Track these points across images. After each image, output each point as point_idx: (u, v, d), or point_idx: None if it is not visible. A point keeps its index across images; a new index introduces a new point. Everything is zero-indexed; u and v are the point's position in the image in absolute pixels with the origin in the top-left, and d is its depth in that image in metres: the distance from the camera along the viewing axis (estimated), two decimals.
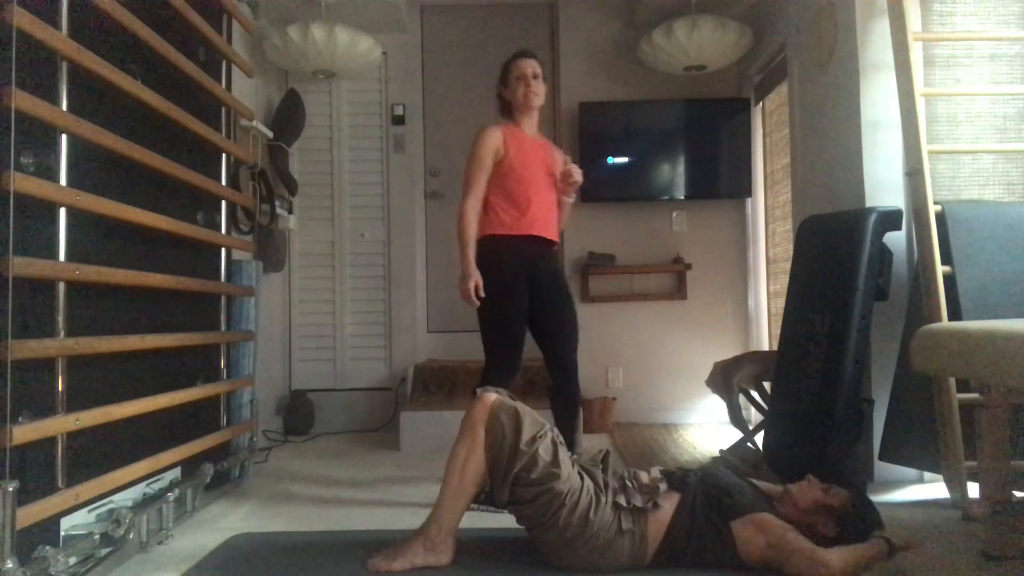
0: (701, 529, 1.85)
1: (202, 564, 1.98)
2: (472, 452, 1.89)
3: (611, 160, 4.30)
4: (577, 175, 2.69)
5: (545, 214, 2.70)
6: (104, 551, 1.89)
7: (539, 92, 2.71)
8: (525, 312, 2.66)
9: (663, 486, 1.92)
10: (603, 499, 1.86)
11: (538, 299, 2.67)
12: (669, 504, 1.89)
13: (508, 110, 2.81)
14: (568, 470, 1.87)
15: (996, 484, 1.95)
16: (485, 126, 2.75)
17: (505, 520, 2.37)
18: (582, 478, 1.90)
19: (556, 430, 1.98)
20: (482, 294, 2.59)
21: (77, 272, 1.78)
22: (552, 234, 2.73)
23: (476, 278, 2.59)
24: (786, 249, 3.80)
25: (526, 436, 1.86)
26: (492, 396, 1.94)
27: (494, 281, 2.62)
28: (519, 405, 1.93)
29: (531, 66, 2.71)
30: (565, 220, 2.89)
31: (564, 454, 1.91)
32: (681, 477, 1.95)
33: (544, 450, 1.86)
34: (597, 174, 4.26)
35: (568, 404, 2.68)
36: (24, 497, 1.56)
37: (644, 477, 1.96)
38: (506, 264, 2.64)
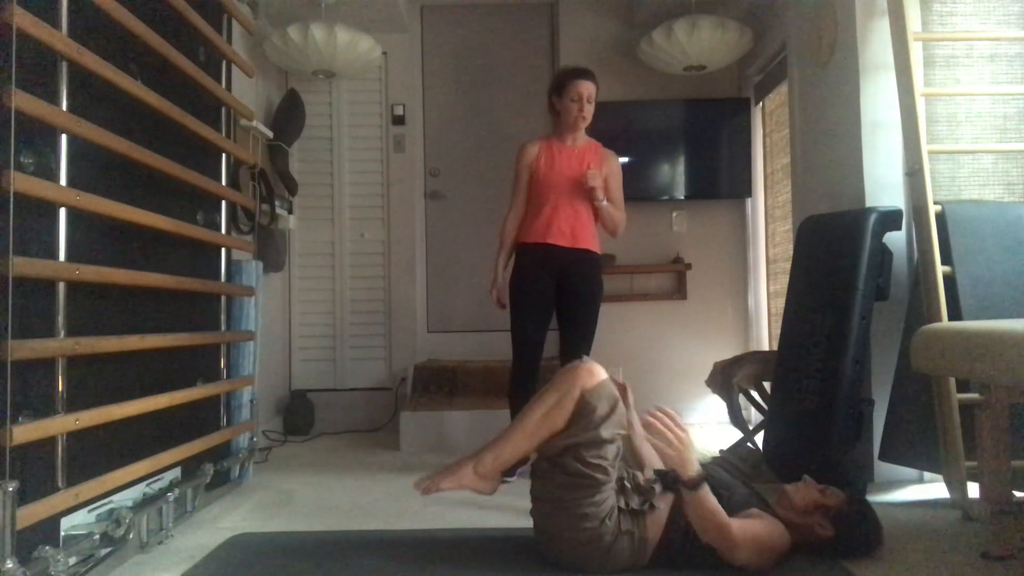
0: (696, 530, 1.84)
1: (202, 564, 1.98)
2: (561, 406, 1.88)
3: None
4: (591, 180, 2.81)
5: (564, 223, 2.89)
6: (104, 551, 1.89)
7: (589, 115, 2.90)
8: (543, 314, 2.94)
9: (658, 487, 1.92)
10: (616, 509, 1.85)
11: (561, 301, 2.94)
12: (664, 504, 1.88)
13: (556, 120, 2.98)
14: (614, 479, 1.85)
15: (996, 484, 1.95)
16: (527, 141, 3.00)
17: (506, 520, 2.37)
18: (616, 493, 1.87)
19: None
20: (505, 298, 2.95)
21: (77, 272, 1.78)
22: (574, 242, 2.90)
23: (499, 284, 2.96)
24: (786, 249, 3.80)
25: (610, 427, 1.85)
26: (603, 373, 1.93)
27: (513, 285, 2.95)
28: (619, 399, 1.92)
29: (588, 89, 2.86)
30: (609, 224, 2.97)
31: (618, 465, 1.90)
32: (675, 477, 1.95)
33: (610, 449, 1.85)
34: None
35: None
36: (24, 497, 1.56)
37: (640, 478, 1.95)
38: (524, 270, 2.93)
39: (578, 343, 2.90)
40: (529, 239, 2.91)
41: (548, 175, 2.89)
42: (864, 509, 1.94)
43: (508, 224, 2.97)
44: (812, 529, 1.88)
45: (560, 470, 1.83)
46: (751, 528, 1.80)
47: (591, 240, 2.94)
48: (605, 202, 2.88)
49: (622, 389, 1.97)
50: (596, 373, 1.92)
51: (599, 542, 1.81)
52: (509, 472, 2.92)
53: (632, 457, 2.10)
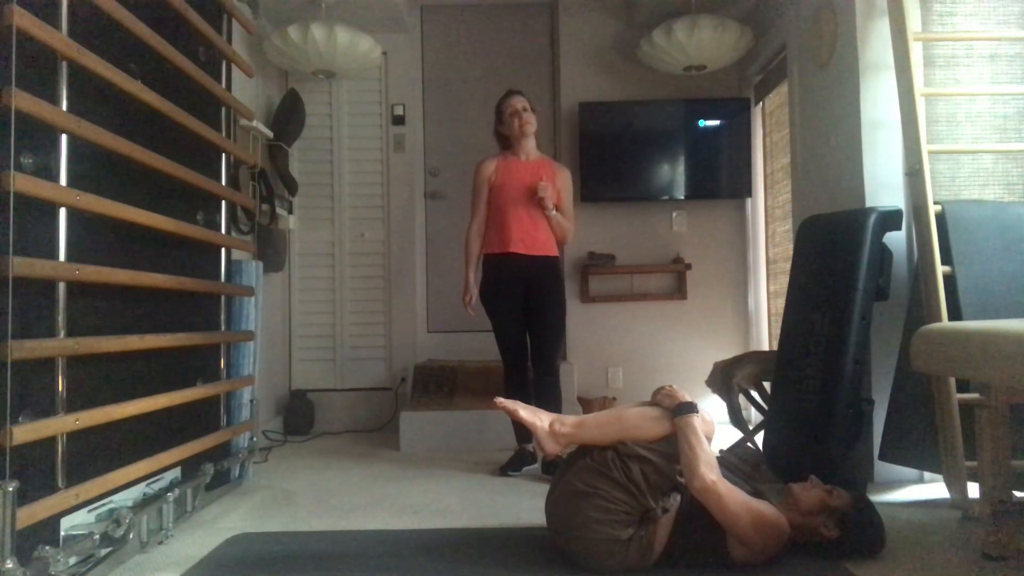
0: (700, 530, 1.84)
1: (202, 564, 1.98)
2: (659, 424, 1.93)
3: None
4: (541, 191, 3.02)
5: (524, 233, 3.08)
6: (104, 551, 1.89)
7: (531, 121, 3.13)
8: (517, 319, 3.11)
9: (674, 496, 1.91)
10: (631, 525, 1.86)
11: (528, 308, 3.11)
12: (672, 509, 1.88)
13: (507, 143, 3.20)
14: (644, 508, 1.86)
15: (996, 484, 1.95)
16: (483, 158, 3.21)
17: (507, 519, 2.37)
18: (639, 521, 1.87)
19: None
20: (474, 305, 3.14)
21: (77, 272, 1.78)
22: (533, 249, 3.09)
23: (471, 292, 3.16)
24: (786, 249, 3.80)
25: (672, 471, 1.89)
26: (710, 428, 1.95)
27: (487, 296, 3.13)
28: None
29: (520, 102, 3.13)
30: (559, 233, 3.18)
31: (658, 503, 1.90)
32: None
33: (657, 486, 1.87)
34: (597, 174, 4.27)
35: (546, 392, 3.08)
36: (24, 497, 1.56)
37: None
38: (494, 279, 3.12)
39: (548, 347, 3.09)
40: (492, 250, 3.13)
41: (504, 186, 3.10)
42: (870, 511, 1.94)
43: (471, 237, 3.17)
44: (817, 529, 1.88)
45: (622, 468, 1.85)
46: (746, 498, 1.80)
47: (549, 246, 3.14)
48: (555, 212, 3.09)
49: (710, 428, 1.98)
50: (707, 422, 1.94)
51: (612, 544, 1.81)
52: (515, 468, 3.02)
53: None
